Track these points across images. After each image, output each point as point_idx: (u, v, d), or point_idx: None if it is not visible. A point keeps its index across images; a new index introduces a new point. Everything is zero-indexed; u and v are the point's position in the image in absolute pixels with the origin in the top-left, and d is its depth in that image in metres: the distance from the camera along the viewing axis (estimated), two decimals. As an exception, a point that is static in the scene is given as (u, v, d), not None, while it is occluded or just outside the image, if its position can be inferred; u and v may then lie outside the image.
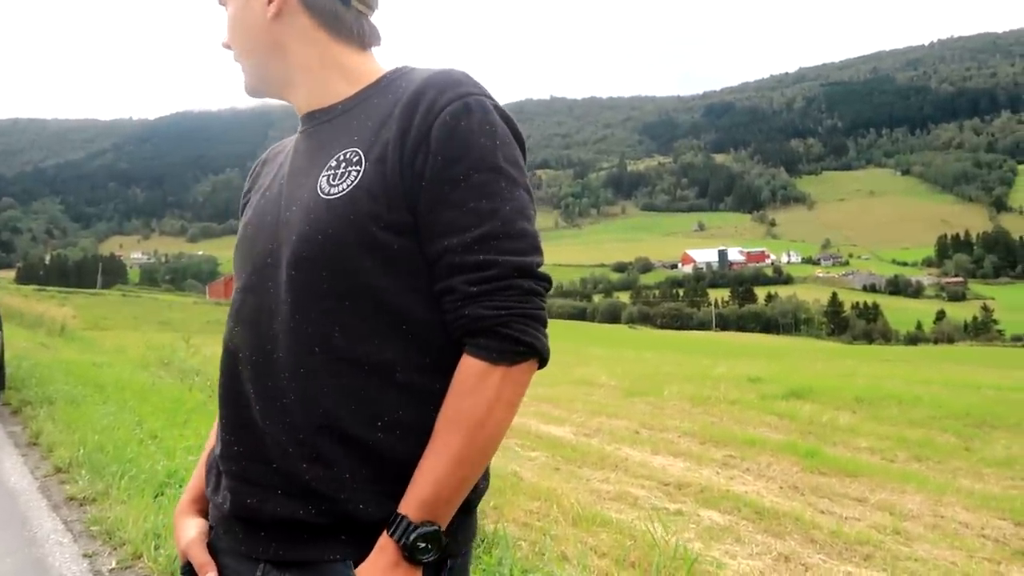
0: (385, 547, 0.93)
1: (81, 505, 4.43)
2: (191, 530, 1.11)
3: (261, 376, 1.00)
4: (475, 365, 0.94)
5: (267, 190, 1.11)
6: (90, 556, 3.65)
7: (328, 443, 0.95)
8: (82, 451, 5.26)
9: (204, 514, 1.14)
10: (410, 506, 0.93)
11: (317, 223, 0.96)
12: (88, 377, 9.45)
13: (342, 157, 1.00)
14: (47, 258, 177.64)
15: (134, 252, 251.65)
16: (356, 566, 0.94)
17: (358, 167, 0.97)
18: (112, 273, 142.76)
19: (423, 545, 0.92)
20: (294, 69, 1.09)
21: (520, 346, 0.95)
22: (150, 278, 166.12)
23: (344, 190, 0.96)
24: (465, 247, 0.95)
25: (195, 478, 1.19)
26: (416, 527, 0.92)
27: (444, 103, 0.96)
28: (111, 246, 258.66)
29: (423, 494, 0.93)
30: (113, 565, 3.54)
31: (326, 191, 0.98)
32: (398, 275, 0.97)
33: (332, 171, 0.99)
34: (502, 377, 0.94)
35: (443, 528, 0.95)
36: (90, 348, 16.92)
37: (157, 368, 11.68)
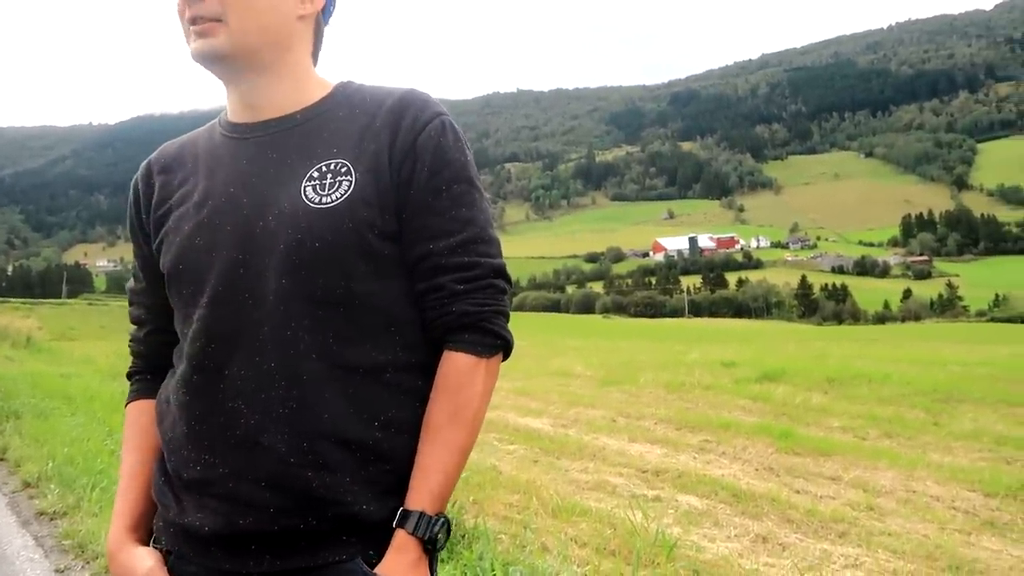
0: (405, 545, 0.95)
1: (52, 520, 4.35)
2: (146, 560, 1.05)
3: (253, 389, 0.97)
4: (465, 360, 1.01)
5: (207, 198, 1.04)
6: (62, 571, 3.59)
7: (330, 448, 0.96)
8: (51, 465, 5.17)
9: (144, 542, 1.09)
10: (424, 500, 0.97)
11: (310, 231, 0.97)
12: (56, 389, 9.28)
13: (326, 168, 1.00)
14: (9, 269, 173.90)
15: (100, 260, 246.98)
16: (366, 563, 0.95)
17: (348, 177, 0.99)
18: (78, 282, 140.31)
19: (440, 536, 0.97)
20: (287, 66, 1.06)
21: (499, 340, 1.03)
22: (118, 286, 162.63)
23: (338, 199, 0.98)
24: (451, 250, 1.02)
25: (127, 504, 1.12)
26: (436, 520, 0.97)
27: (427, 119, 1.03)
28: (75, 254, 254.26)
29: (436, 487, 0.97)
30: (86, 579, 3.48)
31: (315, 200, 0.98)
32: (387, 279, 1.01)
33: (317, 181, 1.00)
34: (485, 369, 1.02)
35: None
36: (57, 359, 16.61)
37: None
